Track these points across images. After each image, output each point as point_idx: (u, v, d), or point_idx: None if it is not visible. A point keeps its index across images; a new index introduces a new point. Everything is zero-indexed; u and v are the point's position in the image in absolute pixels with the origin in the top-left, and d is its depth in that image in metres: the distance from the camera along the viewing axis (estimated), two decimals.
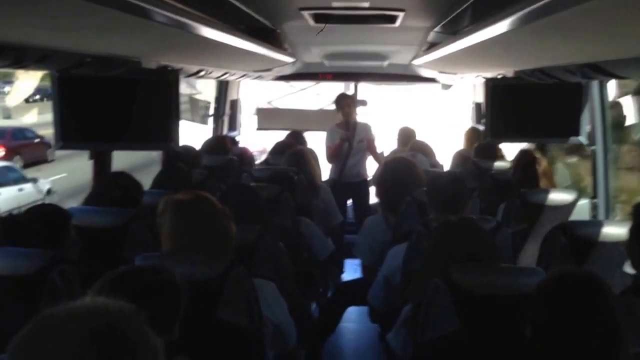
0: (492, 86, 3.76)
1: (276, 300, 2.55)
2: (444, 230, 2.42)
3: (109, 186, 3.40)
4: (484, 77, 4.91)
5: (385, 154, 6.84)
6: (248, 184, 3.60)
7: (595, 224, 3.33)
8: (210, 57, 4.05)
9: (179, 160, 5.25)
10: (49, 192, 19.98)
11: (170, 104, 3.23)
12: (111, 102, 3.24)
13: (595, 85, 3.92)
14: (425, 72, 6.73)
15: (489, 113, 3.83)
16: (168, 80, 3.22)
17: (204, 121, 7.63)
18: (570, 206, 3.89)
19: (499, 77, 4.04)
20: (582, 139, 3.74)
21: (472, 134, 6.79)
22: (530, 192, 3.96)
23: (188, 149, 5.45)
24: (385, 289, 3.42)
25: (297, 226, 4.16)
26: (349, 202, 7.08)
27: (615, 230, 2.95)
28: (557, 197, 3.89)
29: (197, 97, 10.11)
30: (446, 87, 8.34)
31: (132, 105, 3.25)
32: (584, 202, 3.99)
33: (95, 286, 1.54)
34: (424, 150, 5.76)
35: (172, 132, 3.27)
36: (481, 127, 7.24)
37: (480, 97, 7.60)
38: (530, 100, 3.77)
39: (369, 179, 7.06)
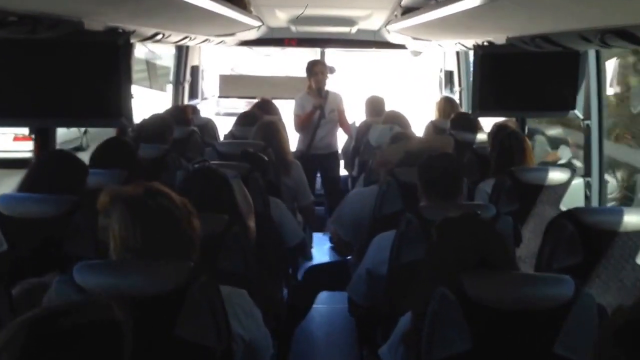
0: (481, 55, 3.36)
1: (249, 312, 2.15)
2: (447, 230, 2.03)
3: (47, 168, 2.93)
4: (463, 45, 4.55)
5: (357, 124, 6.46)
6: (215, 167, 3.17)
7: (606, 211, 2.99)
8: (167, 18, 3.60)
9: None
10: None
11: (120, 72, 2.75)
12: (48, 70, 2.75)
13: (591, 54, 3.56)
14: (395, 39, 6.35)
15: (476, 84, 3.43)
16: (117, 44, 2.74)
17: (163, 88, 7.23)
18: (564, 185, 3.55)
19: (486, 44, 3.66)
20: (578, 112, 3.39)
21: (445, 103, 6.44)
22: (520, 169, 3.61)
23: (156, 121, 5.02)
24: (369, 282, 3.05)
25: (267, 208, 3.77)
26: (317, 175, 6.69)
27: (630, 219, 2.60)
28: (551, 175, 3.55)
29: (157, 62, 9.65)
30: (416, 54, 7.97)
31: (73, 74, 2.76)
32: (578, 181, 3.65)
33: (2, 335, 1.13)
34: (400, 122, 5.37)
35: (123, 106, 2.80)
36: (454, 97, 6.95)
37: (451, 65, 7.30)
38: (523, 70, 3.38)
39: (339, 151, 6.68)
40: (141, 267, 1.94)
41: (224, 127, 6.47)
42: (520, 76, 3.38)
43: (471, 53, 6.57)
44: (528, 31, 2.87)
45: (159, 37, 4.03)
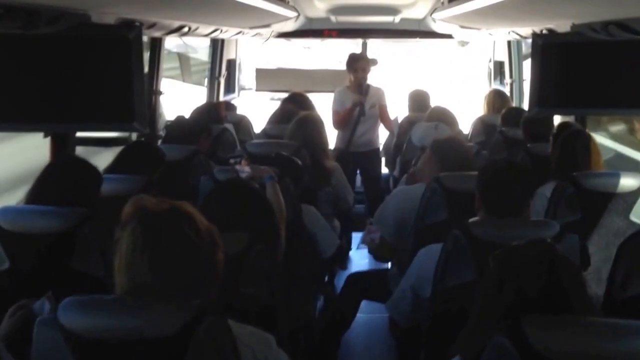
0: (542, 44, 2.96)
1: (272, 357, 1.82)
2: (509, 262, 1.67)
3: (55, 177, 2.65)
4: (518, 34, 4.15)
5: (399, 120, 6.09)
6: (247, 182, 2.87)
7: None
8: (191, 9, 3.30)
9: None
10: None
11: (132, 71, 2.44)
12: (48, 70, 2.44)
13: None
14: (442, 28, 5.97)
15: (536, 78, 3.03)
16: (127, 39, 2.43)
17: (201, 82, 6.99)
18: (635, 193, 3.15)
19: (546, 32, 3.27)
20: None
21: (495, 97, 6.01)
22: (584, 174, 3.22)
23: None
24: (412, 301, 2.71)
25: (299, 216, 3.45)
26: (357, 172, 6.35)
27: None
28: (619, 181, 3.15)
29: (193, 55, 9.40)
30: (463, 43, 7.57)
31: (77, 74, 2.46)
32: None
33: None
34: (446, 119, 4.99)
35: (136, 109, 2.50)
36: (505, 89, 6.53)
37: (501, 55, 6.88)
38: (590, 62, 2.97)
39: (380, 148, 6.33)
40: (139, 307, 1.63)
41: None
42: (586, 69, 2.97)
43: (525, 42, 6.19)
44: (599, 17, 2.48)
45: (185, 29, 3.74)
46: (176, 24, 3.53)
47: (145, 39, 4.57)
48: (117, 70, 2.48)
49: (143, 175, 3.44)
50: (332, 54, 9.42)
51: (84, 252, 2.46)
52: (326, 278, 4.83)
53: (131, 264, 1.70)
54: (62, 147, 3.06)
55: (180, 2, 2.94)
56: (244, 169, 3.34)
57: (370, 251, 4.02)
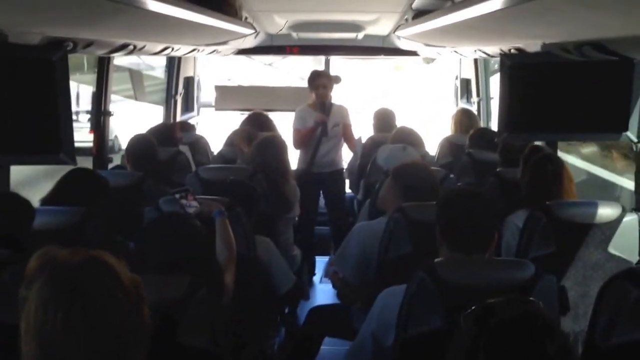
0: (510, 65, 2.75)
1: None
2: (487, 324, 1.42)
3: None
4: (485, 53, 3.95)
5: (363, 140, 5.86)
6: (188, 219, 2.60)
7: None
8: (134, 27, 3.03)
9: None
10: None
11: (57, 97, 2.17)
12: None
13: None
14: (406, 45, 5.77)
15: (505, 101, 2.81)
16: (51, 61, 2.16)
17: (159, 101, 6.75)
18: (614, 224, 2.95)
19: (514, 51, 3.06)
20: (631, 135, 2.76)
21: (463, 116, 5.82)
22: (558, 204, 3.01)
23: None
24: (373, 351, 2.45)
25: (252, 249, 3.20)
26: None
27: None
28: (597, 211, 2.94)
29: (150, 73, 9.13)
30: (429, 61, 7.39)
31: None
32: (630, 218, 3.04)
33: None
34: (412, 140, 4.78)
35: (61, 138, 2.21)
36: (472, 108, 6.35)
37: (468, 72, 6.71)
38: (562, 84, 2.76)
39: (344, 168, 6.09)
40: None
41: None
42: (558, 91, 2.75)
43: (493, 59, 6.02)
44: (572, 37, 2.27)
45: (130, 47, 3.47)
46: (118, 42, 3.27)
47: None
48: (40, 97, 2.20)
49: (85, 205, 3.18)
50: (295, 71, 9.20)
51: (4, 299, 2.17)
52: (286, 309, 4.58)
53: (41, 329, 1.43)
54: None
55: (119, 19, 2.67)
56: (191, 204, 3.07)
57: (334, 286, 3.76)
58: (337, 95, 6.17)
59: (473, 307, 1.50)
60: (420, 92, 13.94)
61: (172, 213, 2.88)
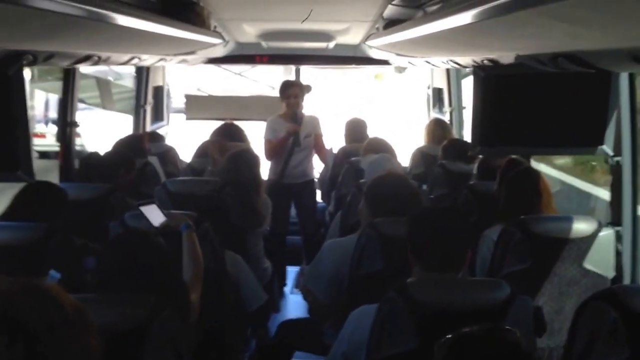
0: (484, 77, 2.68)
1: None
2: (463, 355, 1.36)
3: None
4: (457, 63, 3.90)
5: (334, 150, 5.80)
6: (150, 235, 2.50)
7: None
8: (96, 39, 2.94)
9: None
10: None
11: (13, 111, 2.08)
12: None
13: (623, 76, 2.89)
14: (378, 54, 5.72)
15: (478, 114, 2.75)
16: (6, 75, 2.06)
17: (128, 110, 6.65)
18: (589, 239, 2.90)
19: (487, 62, 3.01)
20: (607, 148, 2.71)
21: (436, 126, 5.79)
22: (533, 218, 2.96)
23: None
24: None
25: (221, 264, 3.11)
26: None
27: None
28: (572, 226, 2.89)
29: (118, 82, 8.99)
30: (400, 70, 7.35)
31: None
32: (606, 233, 2.99)
33: None
34: (385, 151, 4.72)
35: (19, 155, 2.12)
36: (445, 117, 6.31)
37: (440, 82, 6.67)
38: (536, 96, 2.70)
39: (315, 179, 6.03)
40: None
41: None
42: (533, 104, 2.69)
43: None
44: (546, 48, 2.22)
45: (94, 58, 3.37)
46: (82, 53, 3.17)
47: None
48: None
49: (45, 220, 3.08)
50: (264, 79, 9.12)
51: None
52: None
53: None
54: None
55: (81, 31, 2.58)
56: (158, 217, 2.98)
57: (304, 298, 3.69)
58: (312, 104, 6.11)
59: (448, 336, 1.43)
60: (398, 101, 13.89)
61: (135, 230, 2.79)
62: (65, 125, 4.66)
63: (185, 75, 10.54)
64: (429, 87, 7.07)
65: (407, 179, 3.40)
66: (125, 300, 2.09)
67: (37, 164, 4.74)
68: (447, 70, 6.33)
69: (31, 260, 2.87)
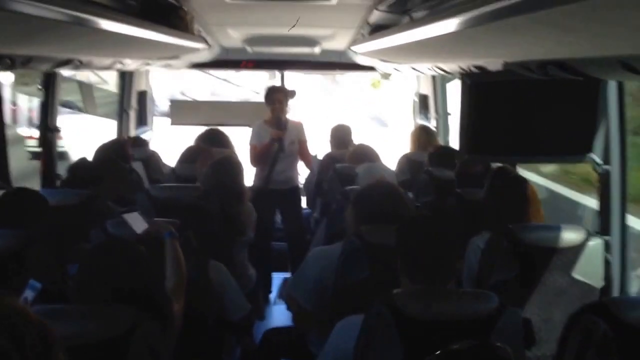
0: (471, 85, 2.65)
1: None
2: None
3: None
4: (444, 70, 3.87)
5: (319, 157, 5.76)
6: (131, 244, 2.44)
7: None
8: (75, 42, 2.88)
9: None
10: None
11: None
12: None
13: (612, 84, 2.86)
14: (363, 60, 5.69)
15: (465, 121, 2.72)
16: None
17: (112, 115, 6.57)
18: (578, 248, 2.87)
19: (475, 69, 2.97)
20: (596, 157, 2.67)
21: (421, 133, 5.75)
22: (520, 227, 2.92)
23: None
24: None
25: (204, 272, 3.05)
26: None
27: None
28: (560, 235, 2.86)
29: (102, 86, 8.90)
30: (386, 76, 7.32)
31: None
32: (594, 242, 2.95)
33: None
34: (370, 158, 4.68)
35: None
36: (431, 126, 6.28)
37: (426, 88, 6.65)
38: (524, 104, 2.67)
39: (300, 185, 5.98)
40: None
41: None
42: (521, 111, 2.66)
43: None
44: (535, 56, 2.19)
45: (75, 62, 3.31)
46: (62, 57, 3.11)
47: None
48: None
49: (23, 228, 3.01)
50: (249, 84, 9.07)
51: None
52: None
53: None
54: None
55: (60, 35, 2.52)
56: (140, 224, 2.93)
57: (288, 308, 3.63)
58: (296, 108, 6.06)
59: (437, 353, 1.39)
60: (393, 107, 13.82)
61: (116, 239, 2.73)
62: (46, 130, 4.60)
63: (169, 79, 10.46)
64: (415, 94, 7.05)
65: (397, 188, 3.35)
66: (106, 310, 2.04)
67: (29, 165, 4.68)
68: (433, 77, 6.30)
69: (9, 269, 2.80)
